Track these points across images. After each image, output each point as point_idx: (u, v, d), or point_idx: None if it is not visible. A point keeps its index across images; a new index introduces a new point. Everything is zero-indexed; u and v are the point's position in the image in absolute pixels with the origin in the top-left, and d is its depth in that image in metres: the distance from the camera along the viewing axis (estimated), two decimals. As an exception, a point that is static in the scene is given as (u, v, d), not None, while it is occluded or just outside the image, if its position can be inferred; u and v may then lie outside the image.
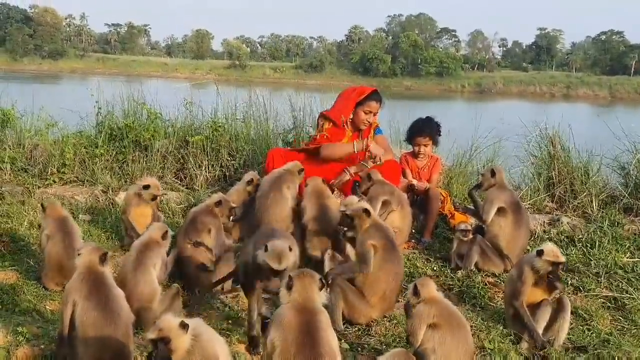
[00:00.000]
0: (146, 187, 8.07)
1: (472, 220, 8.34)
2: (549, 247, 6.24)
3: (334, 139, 8.53)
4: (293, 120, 10.91)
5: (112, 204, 9.44)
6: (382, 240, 6.35)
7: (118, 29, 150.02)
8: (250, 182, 8.28)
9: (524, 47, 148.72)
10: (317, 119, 8.85)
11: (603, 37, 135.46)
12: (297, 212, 7.75)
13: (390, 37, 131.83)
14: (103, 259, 5.15)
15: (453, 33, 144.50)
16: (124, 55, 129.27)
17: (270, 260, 5.30)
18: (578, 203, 9.18)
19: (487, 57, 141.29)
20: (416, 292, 5.24)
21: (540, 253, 6.16)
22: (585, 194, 9.14)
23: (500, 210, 7.66)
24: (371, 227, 6.41)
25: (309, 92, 11.58)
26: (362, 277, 6.33)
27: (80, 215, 8.93)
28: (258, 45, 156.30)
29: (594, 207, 9.06)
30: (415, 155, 9.14)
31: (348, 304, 6.32)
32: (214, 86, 12.15)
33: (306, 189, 7.80)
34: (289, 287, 4.50)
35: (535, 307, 6.24)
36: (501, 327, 6.42)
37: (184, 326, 4.18)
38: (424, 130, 9.08)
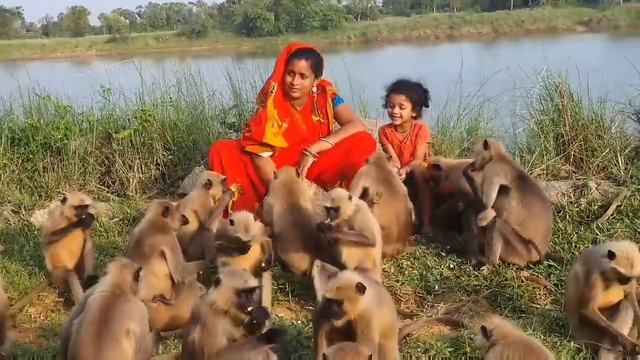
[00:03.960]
0: (63, 200, 6.32)
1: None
2: (623, 252, 4.73)
3: (255, 123, 7.06)
4: (234, 96, 9.23)
5: (27, 226, 7.72)
6: None
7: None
8: (207, 184, 6.56)
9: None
10: None
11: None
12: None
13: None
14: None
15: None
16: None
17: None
18: (599, 162, 7.71)
19: (369, 5, 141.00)
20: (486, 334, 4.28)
21: (611, 256, 4.71)
22: (607, 150, 7.71)
23: (502, 190, 6.16)
24: None
25: (195, 59, 9.93)
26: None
27: (-11, 247, 7.20)
28: (137, 16, 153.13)
29: (620, 165, 7.64)
30: (390, 116, 7.52)
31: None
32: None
33: (274, 182, 6.45)
34: None
35: (612, 311, 4.88)
36: (567, 339, 5.03)
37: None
38: (399, 86, 7.45)
